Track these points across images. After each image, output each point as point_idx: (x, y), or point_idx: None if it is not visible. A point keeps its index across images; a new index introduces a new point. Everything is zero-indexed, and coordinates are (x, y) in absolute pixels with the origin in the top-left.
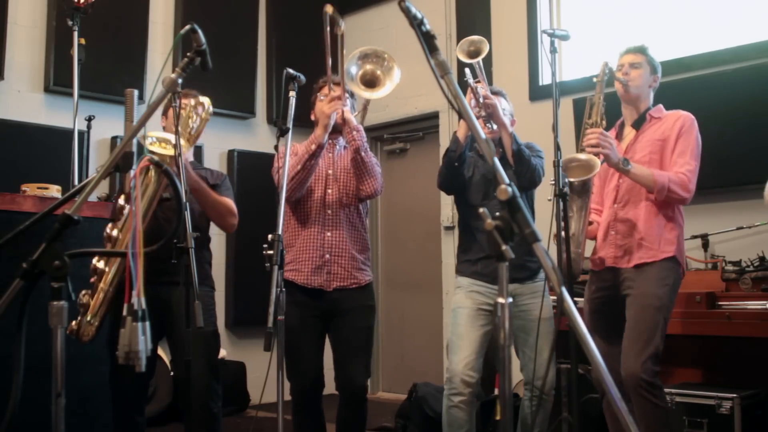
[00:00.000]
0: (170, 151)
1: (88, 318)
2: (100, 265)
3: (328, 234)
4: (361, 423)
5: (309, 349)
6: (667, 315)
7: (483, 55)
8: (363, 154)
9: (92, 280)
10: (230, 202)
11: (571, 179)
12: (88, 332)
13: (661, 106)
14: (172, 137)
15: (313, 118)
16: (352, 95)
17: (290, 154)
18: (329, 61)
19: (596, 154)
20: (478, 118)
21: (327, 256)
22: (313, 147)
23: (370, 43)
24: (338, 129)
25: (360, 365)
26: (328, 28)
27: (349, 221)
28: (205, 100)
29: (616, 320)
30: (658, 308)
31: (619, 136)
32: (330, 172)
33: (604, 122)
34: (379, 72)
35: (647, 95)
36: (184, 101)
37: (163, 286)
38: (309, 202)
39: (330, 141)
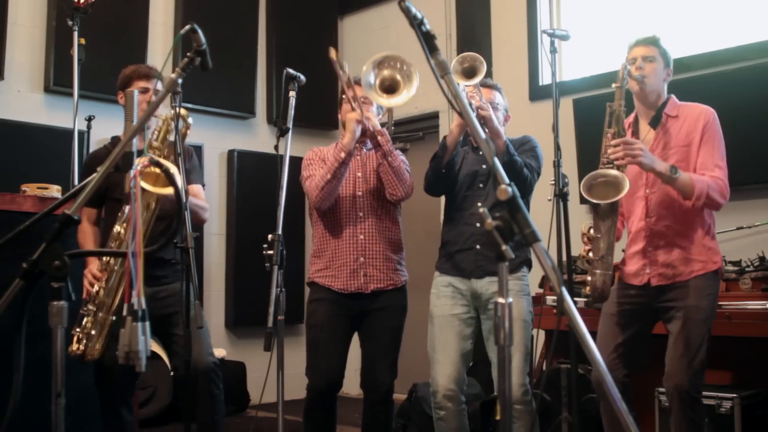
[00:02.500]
0: (159, 189)
1: (92, 341)
2: (95, 290)
3: (361, 237)
4: (386, 424)
5: (333, 347)
6: (710, 326)
7: (480, 76)
8: (390, 159)
9: (89, 307)
10: (200, 200)
11: (598, 201)
12: (93, 353)
13: (673, 97)
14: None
15: (340, 118)
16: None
17: (317, 159)
18: (340, 74)
19: (627, 165)
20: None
21: (361, 259)
22: (343, 155)
23: (370, 44)
24: (364, 132)
25: (387, 364)
26: (339, 71)
27: (381, 222)
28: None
29: (638, 331)
30: (704, 321)
31: (635, 134)
32: (359, 174)
33: (628, 116)
34: (398, 76)
35: (662, 90)
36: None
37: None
38: (339, 206)
39: (357, 144)
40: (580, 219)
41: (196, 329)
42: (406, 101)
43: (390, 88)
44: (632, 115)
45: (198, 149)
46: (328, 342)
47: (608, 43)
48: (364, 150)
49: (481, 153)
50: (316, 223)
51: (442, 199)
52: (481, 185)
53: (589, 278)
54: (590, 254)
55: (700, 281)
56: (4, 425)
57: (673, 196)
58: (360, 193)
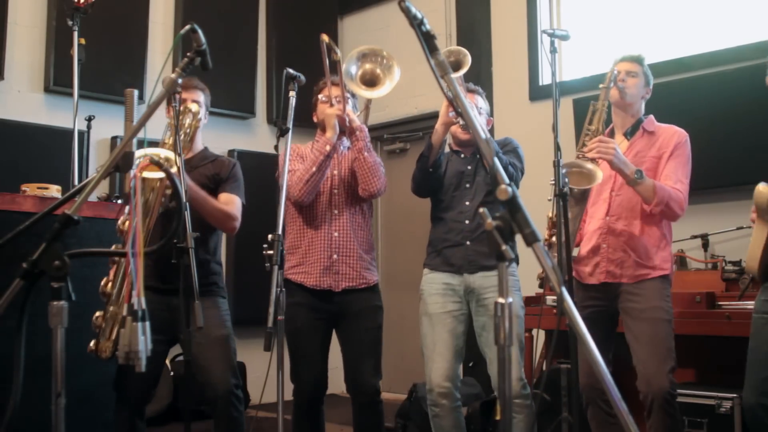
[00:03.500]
0: (160, 174)
1: (106, 337)
2: (109, 289)
3: (335, 234)
4: (377, 425)
5: (313, 352)
6: (673, 328)
7: (465, 69)
8: (366, 154)
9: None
10: (229, 208)
11: (572, 186)
12: (105, 348)
13: (652, 117)
14: (162, 152)
15: (315, 119)
16: (353, 95)
17: (295, 156)
18: (327, 63)
19: (599, 159)
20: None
21: (335, 256)
22: (328, 148)
23: (370, 44)
24: (342, 129)
25: (370, 366)
26: (326, 55)
27: (355, 221)
28: (193, 107)
29: (604, 333)
30: (668, 321)
31: None
32: (336, 172)
33: (605, 130)
34: (378, 71)
35: (639, 105)
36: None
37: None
38: (316, 203)
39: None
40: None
41: (221, 351)
42: (385, 94)
43: (370, 81)
44: (609, 127)
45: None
46: (309, 350)
47: (608, 43)
48: (341, 149)
49: (462, 155)
50: (292, 219)
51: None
52: (467, 185)
53: None
54: (553, 238)
55: (656, 283)
56: (4, 425)
57: (635, 200)
58: (336, 191)
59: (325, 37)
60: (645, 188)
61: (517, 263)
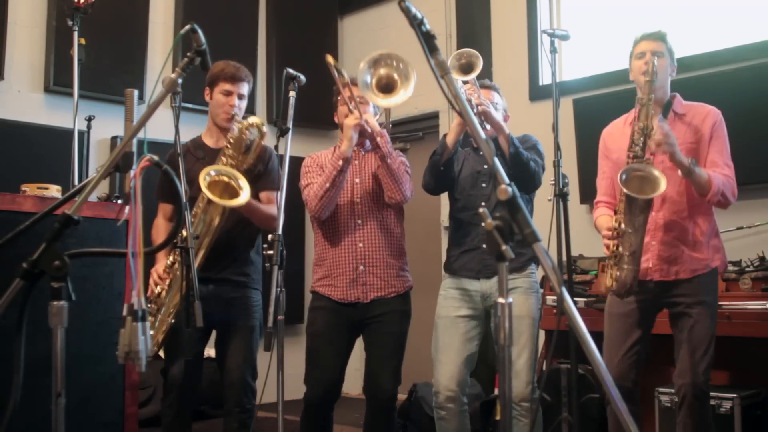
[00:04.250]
0: (225, 201)
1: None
2: (158, 291)
3: (360, 245)
4: (389, 430)
5: (331, 357)
6: (716, 322)
7: (477, 71)
8: (389, 161)
9: (149, 306)
10: (272, 210)
11: (635, 195)
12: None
13: (679, 97)
14: (230, 173)
15: (336, 120)
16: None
17: (315, 166)
18: (337, 79)
19: (661, 152)
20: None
21: (361, 267)
22: (341, 163)
23: (370, 44)
24: (362, 134)
25: (389, 372)
26: (335, 74)
27: (381, 228)
28: (255, 120)
29: (648, 327)
30: (712, 316)
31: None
32: (357, 180)
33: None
34: (395, 75)
35: (667, 86)
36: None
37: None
38: (337, 214)
39: (354, 148)
40: (580, 219)
41: (243, 341)
42: (403, 101)
43: (387, 87)
44: (632, 112)
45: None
46: (326, 354)
47: (608, 43)
48: (362, 151)
49: (481, 153)
50: (316, 230)
51: (443, 199)
52: (483, 185)
53: (617, 273)
54: (619, 249)
55: (704, 278)
56: (4, 425)
57: (680, 192)
58: (358, 200)
59: (330, 60)
60: (699, 178)
61: (537, 265)
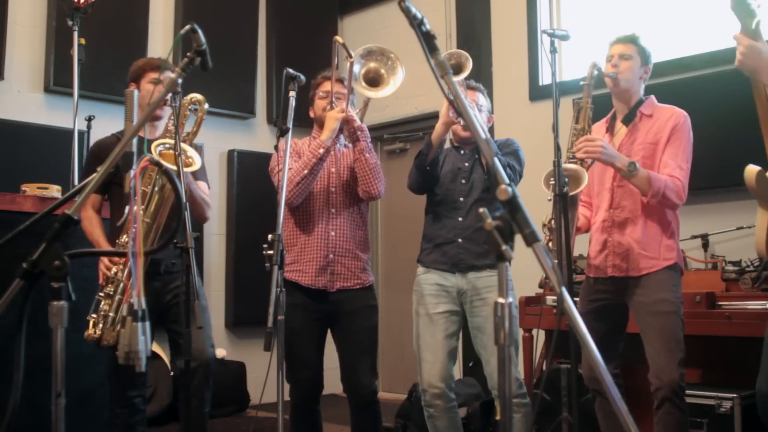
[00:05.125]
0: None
1: (110, 324)
2: (113, 272)
3: (332, 233)
4: (375, 425)
5: (309, 352)
6: (682, 318)
7: (466, 73)
8: (368, 155)
9: (107, 290)
10: (206, 195)
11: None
12: (110, 338)
13: (653, 98)
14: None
15: (312, 115)
16: (352, 91)
17: (292, 153)
18: (335, 62)
19: (586, 160)
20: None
21: (331, 255)
22: (321, 151)
23: (370, 44)
24: (341, 129)
25: (366, 367)
26: (336, 54)
27: (352, 221)
28: (199, 97)
29: (612, 326)
30: (675, 313)
31: (610, 130)
32: (333, 170)
33: (591, 127)
34: (383, 71)
35: (638, 88)
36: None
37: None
38: (312, 200)
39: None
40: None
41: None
42: (390, 94)
43: (373, 80)
44: (611, 113)
45: (198, 149)
46: (304, 351)
47: (608, 43)
48: (338, 146)
49: (462, 152)
50: (286, 216)
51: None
52: (463, 181)
53: None
54: (549, 244)
55: (662, 275)
56: (4, 425)
57: (637, 191)
58: (333, 189)
59: (339, 39)
60: (640, 180)
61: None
